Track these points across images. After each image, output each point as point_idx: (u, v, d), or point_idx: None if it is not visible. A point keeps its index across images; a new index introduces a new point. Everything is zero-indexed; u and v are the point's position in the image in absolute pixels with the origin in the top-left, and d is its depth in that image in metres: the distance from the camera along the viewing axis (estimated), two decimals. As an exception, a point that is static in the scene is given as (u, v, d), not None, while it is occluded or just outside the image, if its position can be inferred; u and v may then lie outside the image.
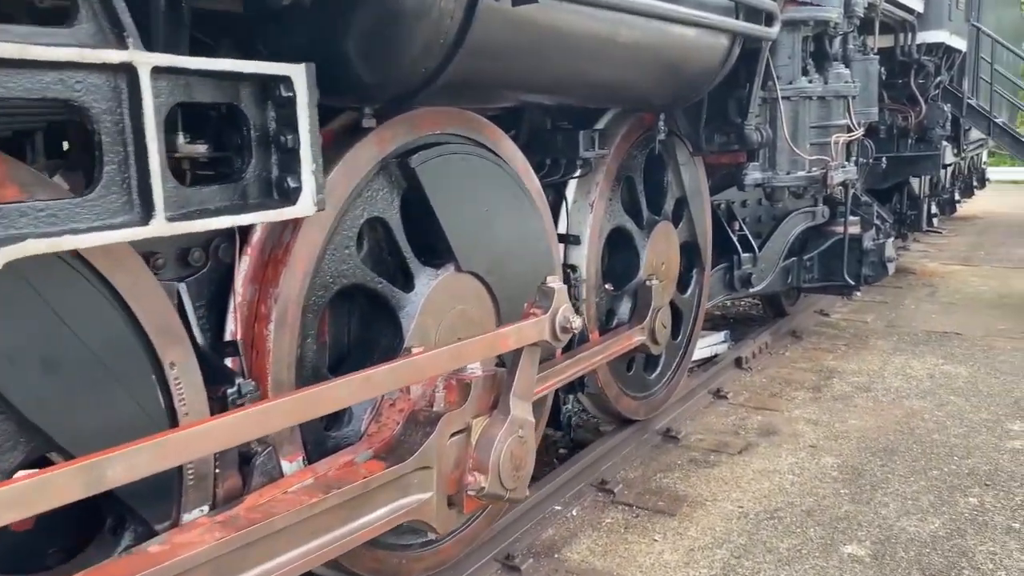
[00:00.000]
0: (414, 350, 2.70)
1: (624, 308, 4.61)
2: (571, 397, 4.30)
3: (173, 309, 2.25)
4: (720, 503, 4.26)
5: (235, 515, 2.20)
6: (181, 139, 2.14)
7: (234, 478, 2.47)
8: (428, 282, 3.10)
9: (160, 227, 1.74)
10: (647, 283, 4.51)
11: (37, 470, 1.63)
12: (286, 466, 2.60)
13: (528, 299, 3.04)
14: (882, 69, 6.70)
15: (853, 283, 6.85)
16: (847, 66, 5.57)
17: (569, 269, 4.13)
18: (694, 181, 5.10)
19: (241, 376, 2.47)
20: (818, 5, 5.06)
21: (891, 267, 7.04)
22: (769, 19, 4.15)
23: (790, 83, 4.93)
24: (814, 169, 5.03)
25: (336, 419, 2.88)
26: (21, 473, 1.86)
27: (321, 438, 2.79)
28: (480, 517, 3.47)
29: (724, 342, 7.07)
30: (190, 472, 2.30)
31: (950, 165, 10.90)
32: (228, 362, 2.51)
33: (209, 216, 1.89)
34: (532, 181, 3.68)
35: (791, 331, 7.56)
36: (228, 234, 2.53)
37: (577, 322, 2.96)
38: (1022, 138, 10.54)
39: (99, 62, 1.61)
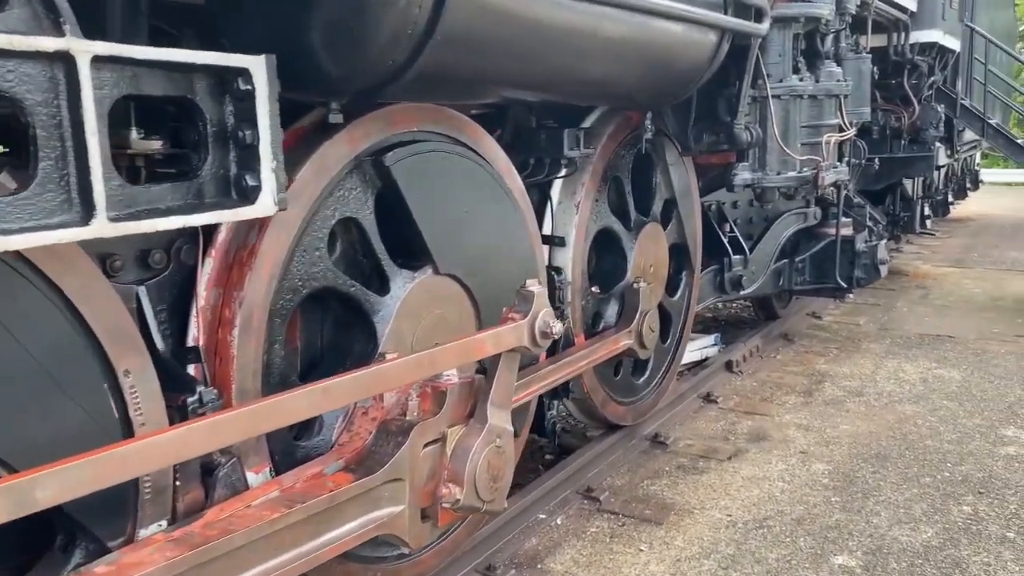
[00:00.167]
0: (388, 356, 2.59)
1: (611, 311, 4.50)
2: (556, 403, 4.18)
3: (128, 314, 2.13)
4: (708, 511, 4.15)
5: (191, 532, 2.08)
6: (135, 134, 2.02)
7: (196, 491, 2.35)
8: (404, 285, 2.98)
9: (101, 228, 1.63)
10: (634, 286, 4.41)
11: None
12: (252, 478, 2.48)
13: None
14: (875, 69, 6.59)
15: (845, 286, 6.77)
16: (839, 65, 5.47)
17: (554, 271, 4.02)
18: (683, 181, 5.00)
19: (203, 384, 2.36)
20: (810, 2, 4.96)
21: (884, 269, 6.95)
22: (759, 15, 4.04)
23: (781, 81, 4.82)
24: (805, 170, 4.93)
25: (306, 428, 2.77)
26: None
27: (290, 448, 2.68)
28: (460, 527, 3.35)
29: (715, 345, 6.97)
30: (147, 485, 2.18)
31: (943, 166, 10.82)
32: (190, 369, 2.40)
33: (159, 216, 1.78)
34: (515, 181, 3.57)
35: (783, 334, 7.47)
36: (191, 235, 2.41)
37: (558, 327, 2.85)
38: (1016, 139, 10.47)
39: (32, 50, 1.50)
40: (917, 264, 11.19)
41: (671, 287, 5.10)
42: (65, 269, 1.92)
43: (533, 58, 2.77)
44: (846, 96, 5.34)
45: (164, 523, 2.23)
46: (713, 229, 5.98)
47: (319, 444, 2.74)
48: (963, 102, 9.85)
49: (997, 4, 12.64)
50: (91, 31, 1.97)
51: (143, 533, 2.17)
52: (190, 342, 2.42)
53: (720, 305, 8.25)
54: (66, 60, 1.56)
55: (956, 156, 11.30)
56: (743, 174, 4.78)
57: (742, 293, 6.29)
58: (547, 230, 4.09)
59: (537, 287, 2.83)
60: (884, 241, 7.17)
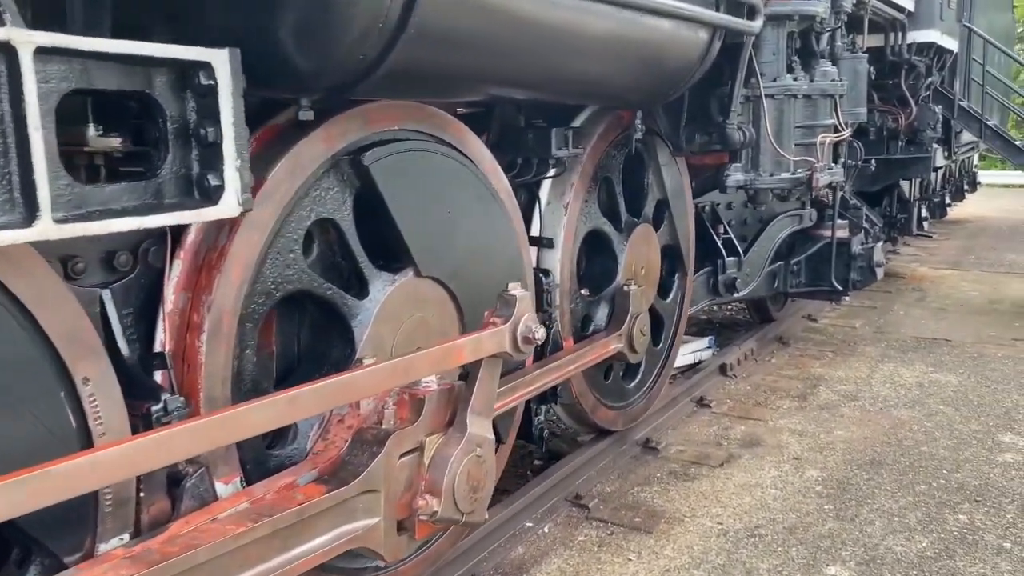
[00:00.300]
0: (366, 361, 2.51)
1: (601, 314, 4.41)
2: (544, 408, 4.09)
3: (87, 318, 2.04)
4: (699, 519, 4.07)
5: (150, 547, 1.99)
6: (92, 131, 1.93)
7: (162, 502, 2.26)
8: (384, 288, 2.89)
9: (45, 230, 1.54)
10: (625, 288, 4.32)
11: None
12: (221, 488, 2.39)
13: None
14: (872, 69, 6.51)
15: (841, 288, 6.68)
16: (835, 64, 5.37)
17: (542, 273, 3.92)
18: (676, 182, 4.91)
19: (170, 392, 2.27)
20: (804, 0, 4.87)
21: (879, 272, 6.86)
22: (751, 12, 3.95)
23: (774, 80, 4.73)
24: (799, 171, 4.83)
25: (280, 436, 2.68)
26: None
27: (262, 457, 2.58)
28: (443, 536, 3.26)
29: (709, 348, 6.88)
30: (107, 497, 2.09)
31: (941, 168, 10.73)
32: (157, 376, 2.31)
33: (112, 217, 1.69)
34: (501, 181, 3.48)
35: (778, 337, 7.39)
36: (160, 236, 2.32)
37: (541, 332, 2.76)
38: (1014, 141, 10.38)
39: (-34, 41, 1.41)
40: (914, 266, 11.11)
41: (663, 290, 5.02)
42: (15, 271, 1.82)
43: (514, 55, 2.68)
44: (841, 96, 5.25)
45: (126, 537, 2.14)
46: (707, 230, 5.88)
47: (293, 453, 2.65)
48: (961, 103, 9.77)
49: (996, 5, 12.55)
50: (51, 24, 1.90)
51: (103, 548, 2.08)
52: (157, 348, 2.33)
53: (715, 307, 8.16)
54: (7, 51, 1.47)
55: (954, 158, 11.20)
56: (736, 175, 4.69)
57: (736, 296, 6.19)
58: (535, 231, 3.99)
59: (520, 291, 2.74)
60: (880, 243, 7.09)
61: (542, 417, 4.05)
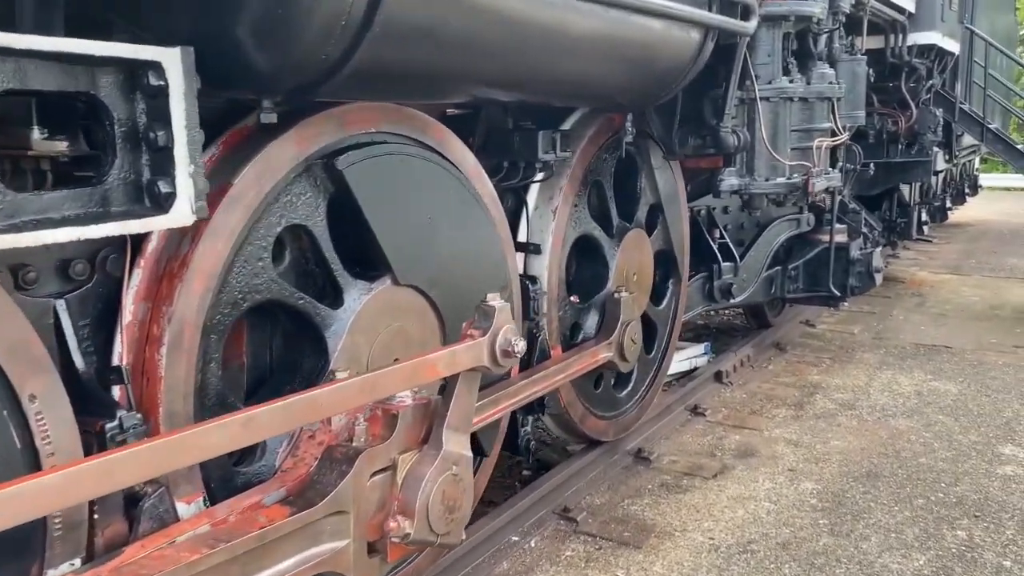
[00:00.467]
0: (339, 374, 2.40)
1: (591, 322, 4.30)
2: (530, 419, 3.97)
3: (33, 331, 1.93)
4: (690, 534, 3.95)
5: (99, 574, 1.87)
6: (37, 134, 1.82)
7: (118, 524, 2.15)
8: (359, 297, 2.78)
9: (-34, 241, 1.42)
10: (615, 295, 4.21)
11: None
12: (182, 509, 2.28)
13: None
14: (871, 71, 6.39)
15: (839, 294, 6.57)
16: (832, 66, 5.27)
17: (528, 280, 3.81)
18: (670, 186, 4.79)
19: (128, 408, 2.16)
20: (801, 0, 4.75)
21: (878, 277, 6.75)
22: (745, 12, 3.84)
23: (770, 83, 4.61)
24: (795, 175, 4.72)
25: (248, 452, 2.56)
26: None
27: (228, 475, 2.47)
28: (420, 555, 3.15)
29: (704, 354, 6.77)
30: (56, 520, 1.98)
31: (941, 171, 10.62)
32: (115, 391, 2.20)
33: (49, 227, 1.58)
34: (485, 185, 3.37)
35: (775, 343, 7.27)
36: (119, 244, 2.20)
37: (521, 345, 2.65)
38: (1015, 145, 10.26)
39: None
40: (914, 271, 10.99)
41: (656, 296, 4.90)
42: (-47, 283, 1.72)
43: (492, 54, 2.56)
44: (839, 99, 5.13)
45: (77, 562, 2.03)
46: (702, 235, 5.78)
47: (261, 470, 2.53)
48: (962, 106, 9.64)
49: (998, 7, 12.43)
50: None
51: (51, 574, 1.97)
52: (115, 361, 2.22)
53: (712, 312, 8.04)
54: (-72, 49, 1.36)
55: (954, 161, 11.08)
56: (730, 179, 4.58)
57: (732, 302, 6.08)
58: (522, 237, 3.88)
59: (499, 301, 2.62)
60: (879, 248, 6.97)
61: (528, 429, 3.93)
